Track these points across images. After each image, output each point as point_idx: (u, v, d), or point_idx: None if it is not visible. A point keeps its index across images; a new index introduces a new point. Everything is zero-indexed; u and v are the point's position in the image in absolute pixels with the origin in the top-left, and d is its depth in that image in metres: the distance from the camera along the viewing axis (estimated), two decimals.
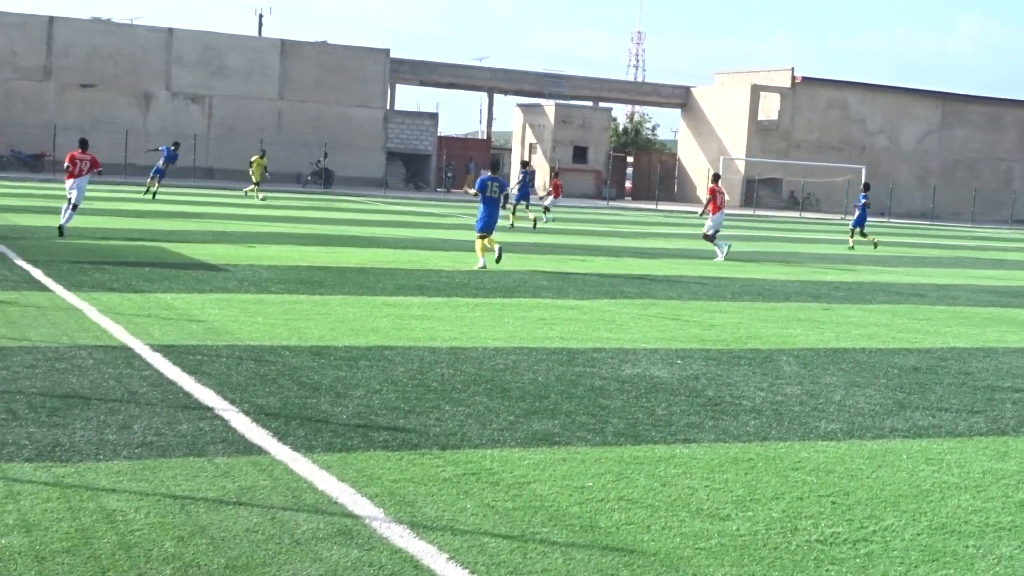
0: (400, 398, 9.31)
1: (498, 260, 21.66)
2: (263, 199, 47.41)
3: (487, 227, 21.76)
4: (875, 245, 37.14)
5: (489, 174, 22.07)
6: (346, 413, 8.65)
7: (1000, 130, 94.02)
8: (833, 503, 7.04)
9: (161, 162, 43.29)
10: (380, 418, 8.56)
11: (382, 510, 6.35)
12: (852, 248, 36.80)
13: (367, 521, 6.15)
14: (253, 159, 49.71)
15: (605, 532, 6.23)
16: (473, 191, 23.55)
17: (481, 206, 21.84)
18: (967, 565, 6.05)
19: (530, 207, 40.88)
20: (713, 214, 28.44)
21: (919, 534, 6.53)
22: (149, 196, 41.94)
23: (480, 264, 21.47)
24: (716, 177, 29.96)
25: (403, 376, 10.27)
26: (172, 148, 44.02)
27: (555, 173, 47.69)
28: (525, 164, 45.39)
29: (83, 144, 24.41)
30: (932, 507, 7.09)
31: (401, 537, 5.92)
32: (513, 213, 38.28)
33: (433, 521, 6.23)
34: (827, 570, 5.86)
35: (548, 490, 6.94)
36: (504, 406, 9.24)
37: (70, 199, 23.62)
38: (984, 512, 7.05)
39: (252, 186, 49.27)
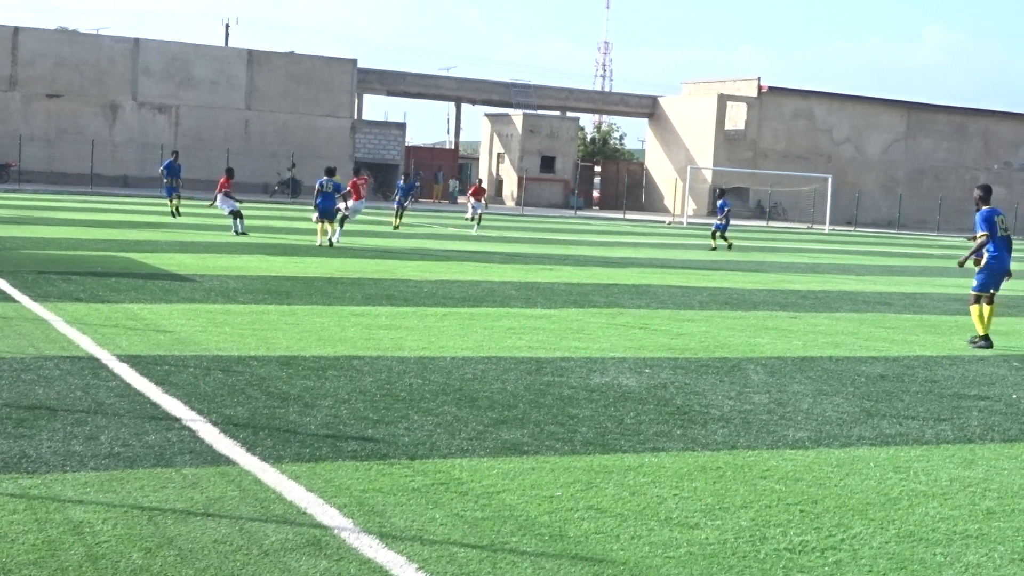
0: (369, 408, 9.29)
1: (331, 245, 28.32)
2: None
3: (324, 213, 29.15)
4: (729, 246, 38.67)
5: (326, 178, 29.52)
6: (314, 423, 8.62)
7: (965, 139, 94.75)
8: (801, 511, 7.07)
9: (165, 180, 39.59)
10: (349, 428, 8.53)
11: (351, 520, 6.33)
12: (714, 249, 38.04)
13: (336, 531, 6.13)
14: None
15: (574, 541, 6.23)
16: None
17: (320, 199, 29.12)
18: (935, 573, 6.08)
19: (403, 214, 42.72)
20: None
21: (887, 542, 6.56)
22: (173, 216, 37.78)
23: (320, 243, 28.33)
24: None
25: (371, 386, 10.25)
26: (172, 160, 40.65)
27: (479, 180, 50.74)
28: (406, 176, 47.05)
29: None
30: (900, 515, 7.12)
31: (370, 547, 5.91)
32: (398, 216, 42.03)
33: (402, 531, 6.21)
34: None
35: (517, 499, 6.94)
36: (473, 415, 9.23)
37: None
38: (951, 520, 7.09)
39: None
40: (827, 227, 72.65)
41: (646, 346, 13.90)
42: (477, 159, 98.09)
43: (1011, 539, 6.74)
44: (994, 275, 15.60)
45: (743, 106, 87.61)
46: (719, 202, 38.71)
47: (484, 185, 48.49)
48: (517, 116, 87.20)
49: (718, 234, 38.67)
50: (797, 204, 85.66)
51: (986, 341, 15.55)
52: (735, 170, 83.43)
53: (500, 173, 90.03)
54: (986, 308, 15.50)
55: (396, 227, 40.25)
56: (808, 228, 73.27)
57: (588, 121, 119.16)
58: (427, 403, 9.62)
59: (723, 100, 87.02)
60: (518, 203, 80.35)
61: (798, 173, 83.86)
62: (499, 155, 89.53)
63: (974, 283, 15.77)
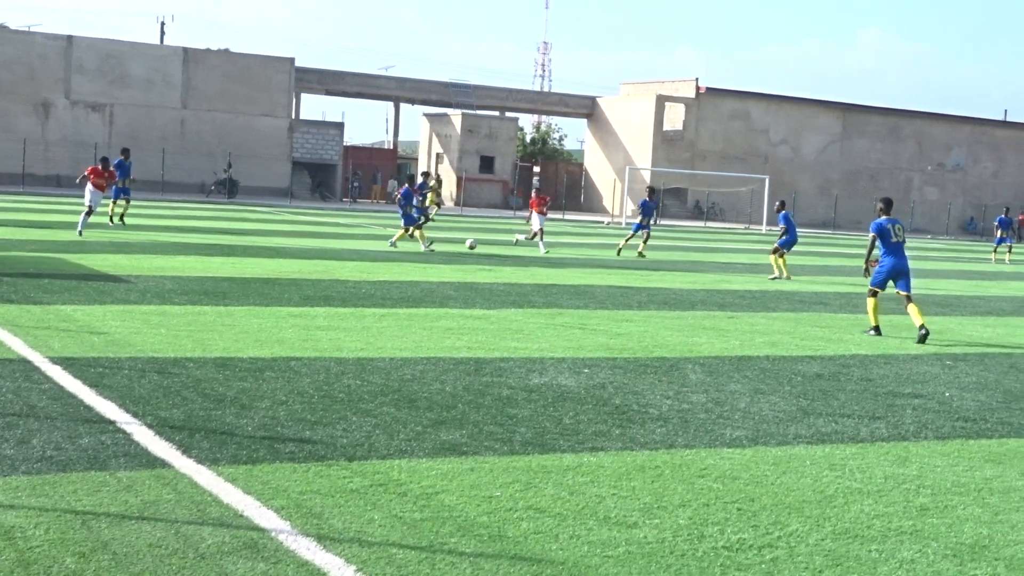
0: (306, 409, 9.23)
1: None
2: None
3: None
4: (640, 254, 35.81)
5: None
6: (251, 425, 8.56)
7: (900, 141, 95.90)
8: (739, 509, 7.11)
9: (118, 182, 34.40)
10: (286, 430, 8.47)
11: (288, 523, 6.28)
12: (643, 255, 35.10)
13: (273, 534, 6.08)
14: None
15: (513, 541, 6.23)
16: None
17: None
18: (870, 569, 6.14)
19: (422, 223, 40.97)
20: None
21: (823, 539, 6.62)
22: (111, 222, 34.12)
23: None
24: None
25: (309, 387, 10.18)
26: (122, 159, 35.91)
27: (536, 187, 44.27)
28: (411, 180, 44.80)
29: None
30: (836, 512, 7.19)
31: (308, 550, 5.87)
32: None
33: (340, 533, 6.18)
34: None
35: (456, 500, 6.92)
36: (411, 416, 9.21)
37: None
38: (886, 516, 7.16)
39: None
40: (764, 227, 73.22)
41: (585, 346, 13.93)
42: (416, 159, 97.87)
43: (944, 535, 6.82)
44: (884, 274, 17.08)
45: (681, 107, 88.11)
46: (641, 200, 36.85)
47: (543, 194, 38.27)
48: (456, 116, 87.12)
49: (638, 233, 35.80)
50: (734, 205, 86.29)
51: (876, 331, 17.15)
52: (673, 171, 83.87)
53: (439, 173, 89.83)
54: (911, 307, 16.95)
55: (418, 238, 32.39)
56: (745, 228, 73.83)
57: (527, 121, 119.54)
58: (365, 404, 9.58)
59: (661, 101, 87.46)
60: (457, 203, 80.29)
61: (735, 174, 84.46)
62: (438, 155, 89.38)
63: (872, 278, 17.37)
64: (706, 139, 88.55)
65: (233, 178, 70.77)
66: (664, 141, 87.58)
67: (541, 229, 34.97)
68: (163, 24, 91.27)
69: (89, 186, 29.79)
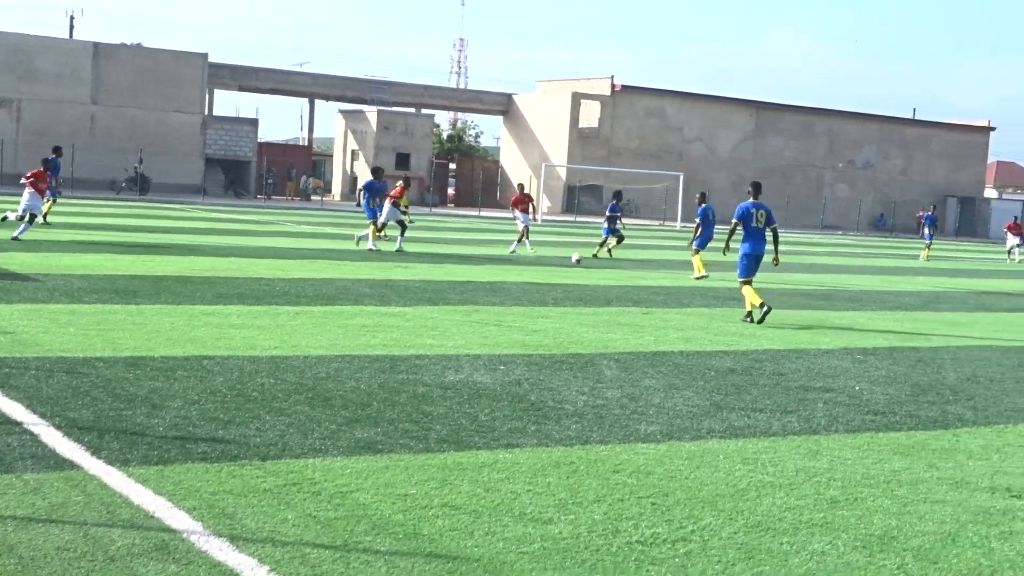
0: (219, 409, 9.13)
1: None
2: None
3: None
4: (595, 256, 34.32)
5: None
6: (163, 425, 8.45)
7: (812, 138, 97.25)
8: (653, 504, 7.16)
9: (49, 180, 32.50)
10: (198, 429, 8.37)
11: (200, 523, 6.21)
12: (606, 255, 34.64)
13: (185, 535, 6.01)
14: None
15: (428, 539, 6.21)
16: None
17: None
18: (781, 562, 6.21)
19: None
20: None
21: (736, 532, 6.68)
22: (44, 223, 31.92)
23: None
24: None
25: (222, 386, 10.07)
26: (54, 156, 34.00)
27: (521, 186, 39.22)
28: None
29: None
30: (748, 505, 7.26)
31: (220, 550, 5.80)
32: None
33: (253, 533, 6.12)
34: (647, 570, 5.94)
35: (371, 498, 6.89)
36: (326, 415, 9.15)
37: None
38: (797, 509, 7.25)
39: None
40: (679, 224, 73.80)
41: (500, 343, 13.94)
42: (331, 156, 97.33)
43: (854, 527, 6.92)
44: (749, 261, 17.94)
45: (597, 104, 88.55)
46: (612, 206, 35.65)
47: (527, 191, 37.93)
48: (372, 113, 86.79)
49: (607, 238, 34.97)
50: (649, 202, 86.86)
51: (749, 317, 17.88)
52: (589, 168, 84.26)
53: (354, 170, 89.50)
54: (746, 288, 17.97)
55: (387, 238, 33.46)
56: (660, 225, 74.36)
57: (444, 118, 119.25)
58: (279, 403, 9.50)
59: (577, 98, 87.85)
60: None
61: (650, 171, 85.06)
62: (353, 152, 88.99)
63: (738, 271, 18.18)
64: (622, 136, 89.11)
65: (145, 175, 69.82)
66: (580, 138, 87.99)
67: (527, 228, 34.99)
68: (72, 18, 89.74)
69: (31, 190, 28.11)
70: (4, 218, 27.71)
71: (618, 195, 37.29)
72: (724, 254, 19.14)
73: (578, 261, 30.22)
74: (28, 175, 27.54)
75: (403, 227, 31.19)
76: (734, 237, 19.21)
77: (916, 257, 47.48)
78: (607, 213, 35.58)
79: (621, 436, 9.07)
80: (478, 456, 8.11)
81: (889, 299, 24.67)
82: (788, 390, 11.70)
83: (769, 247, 18.51)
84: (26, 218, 26.51)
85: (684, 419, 9.90)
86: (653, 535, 6.53)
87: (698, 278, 26.84)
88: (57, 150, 35.54)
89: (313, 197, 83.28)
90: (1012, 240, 50.11)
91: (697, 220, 28.67)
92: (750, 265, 17.96)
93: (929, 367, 14.06)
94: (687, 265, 32.34)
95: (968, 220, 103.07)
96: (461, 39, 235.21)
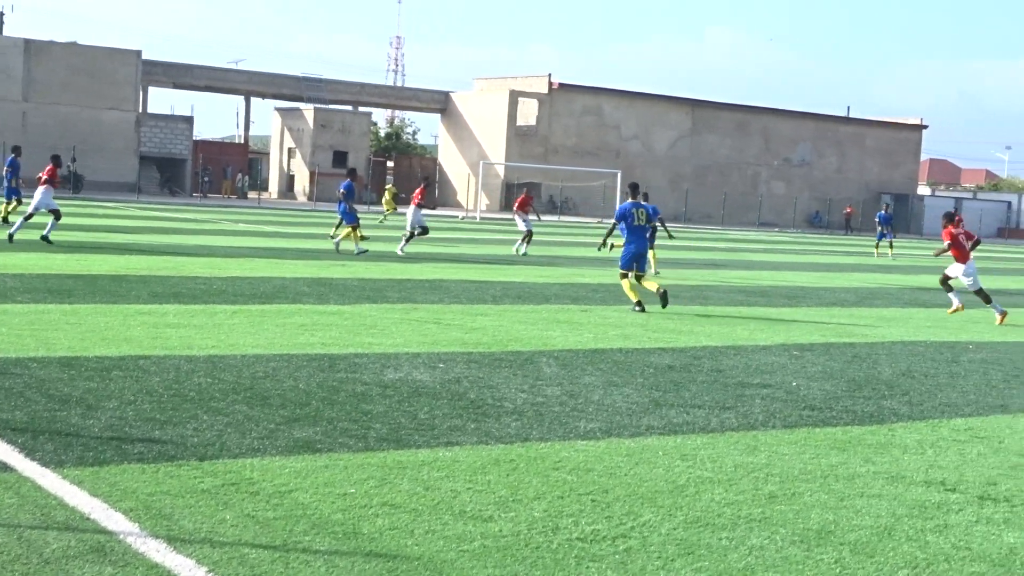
0: (156, 409, 9.04)
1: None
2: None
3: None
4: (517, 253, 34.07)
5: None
6: (98, 426, 8.34)
7: (747, 136, 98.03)
8: (593, 501, 7.17)
9: (9, 181, 32.37)
10: (134, 430, 8.28)
11: (137, 525, 6.14)
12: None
13: (121, 537, 5.94)
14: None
15: (368, 538, 6.18)
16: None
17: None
18: (720, 557, 6.25)
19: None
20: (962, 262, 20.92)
21: (675, 528, 6.71)
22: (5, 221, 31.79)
23: None
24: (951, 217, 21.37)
25: (159, 386, 9.97)
26: (14, 156, 32.68)
27: (526, 190, 39.90)
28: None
29: None
30: (687, 501, 7.29)
31: (157, 552, 5.74)
32: None
33: (191, 534, 6.06)
34: (587, 567, 5.95)
35: (310, 498, 6.85)
36: (264, 414, 9.08)
37: None
38: (736, 505, 7.29)
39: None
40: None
41: (440, 341, 13.91)
42: (267, 154, 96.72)
43: (792, 521, 6.97)
44: (629, 256, 18.92)
45: (534, 102, 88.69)
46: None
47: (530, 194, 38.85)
48: (308, 111, 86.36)
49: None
50: (587, 199, 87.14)
51: (639, 307, 18.68)
52: (527, 165, 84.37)
53: (291, 168, 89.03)
54: (637, 279, 19.01)
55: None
56: (598, 223, 74.59)
57: (381, 116, 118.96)
58: (217, 402, 9.42)
59: (515, 96, 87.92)
60: (310, 198, 79.61)
61: (588, 169, 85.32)
62: (290, 150, 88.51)
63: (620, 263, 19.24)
64: (559, 134, 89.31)
65: (78, 173, 68.96)
66: (518, 136, 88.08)
67: (530, 232, 34.84)
68: (2, 14, 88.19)
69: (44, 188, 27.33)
70: None
71: (524, 188, 37.82)
72: (599, 250, 20.13)
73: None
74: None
75: (424, 230, 31.16)
76: (616, 235, 20.36)
77: (851, 255, 47.91)
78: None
79: (561, 433, 9.09)
80: (418, 454, 8.09)
81: (825, 295, 24.91)
82: (726, 386, 11.78)
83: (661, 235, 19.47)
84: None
85: (623, 416, 9.93)
86: (593, 532, 6.54)
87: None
88: (16, 149, 33.88)
89: (250, 194, 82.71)
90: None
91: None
92: (631, 260, 18.93)
93: (865, 363, 14.21)
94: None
95: (901, 217, 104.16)
96: (398, 37, 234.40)
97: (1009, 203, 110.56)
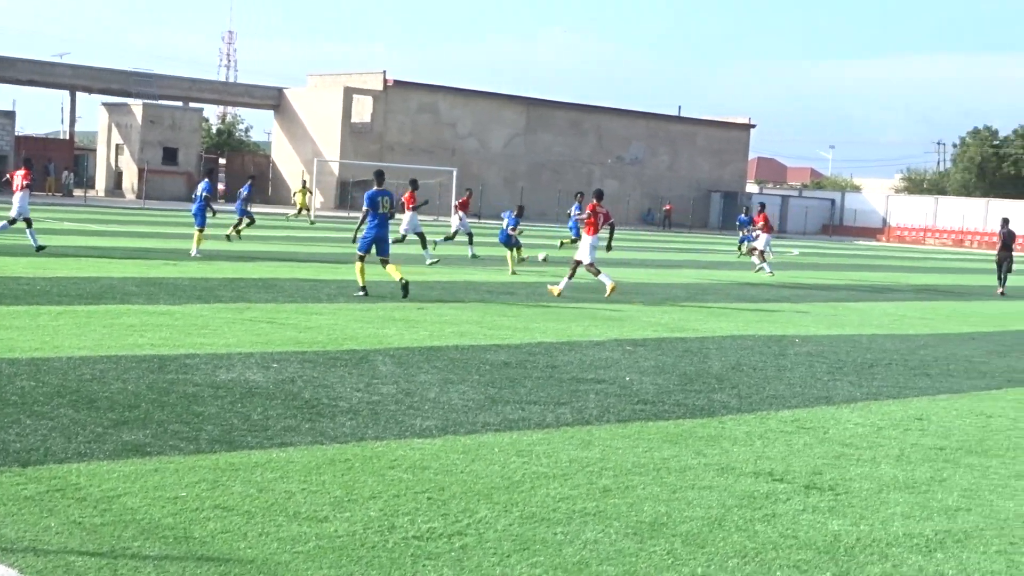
0: None
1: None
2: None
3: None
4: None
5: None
6: None
7: (581, 135, 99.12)
8: (429, 499, 7.16)
9: None
10: None
11: None
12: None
13: None
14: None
15: (200, 542, 6.07)
16: None
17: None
18: (556, 551, 6.30)
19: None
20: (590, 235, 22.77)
21: (511, 524, 6.74)
22: None
23: None
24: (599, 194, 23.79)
25: None
26: None
27: (468, 192, 41.92)
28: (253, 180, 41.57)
29: None
30: (523, 497, 7.34)
31: None
32: None
33: (14, 543, 5.86)
34: (424, 565, 5.94)
35: (139, 502, 6.69)
36: (91, 417, 8.84)
37: None
38: (571, 499, 7.36)
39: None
40: (452, 219, 74.11)
41: (273, 340, 13.74)
42: (94, 150, 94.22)
43: (625, 515, 7.07)
44: (368, 241, 20.37)
45: (369, 99, 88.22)
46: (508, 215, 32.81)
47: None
48: (137, 106, 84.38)
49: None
50: (423, 196, 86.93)
51: (364, 291, 19.90)
52: (362, 163, 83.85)
53: (119, 165, 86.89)
54: (383, 264, 20.60)
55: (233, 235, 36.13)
56: (435, 220, 74.55)
57: (212, 112, 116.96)
58: (41, 406, 9.13)
59: (349, 93, 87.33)
60: (139, 196, 77.80)
61: (424, 166, 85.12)
62: (118, 146, 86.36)
63: (358, 246, 20.58)
64: (394, 131, 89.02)
65: None
66: (352, 133, 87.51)
67: (470, 234, 35.37)
68: None
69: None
70: None
71: (468, 191, 39.70)
72: (353, 241, 21.02)
73: (544, 259, 32.73)
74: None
75: (423, 238, 30.77)
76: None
77: (687, 250, 48.81)
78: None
79: (396, 432, 9.06)
80: (251, 456, 7.97)
81: (658, 291, 25.35)
82: (561, 382, 11.89)
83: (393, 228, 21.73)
84: None
85: (459, 413, 9.95)
86: (429, 530, 6.54)
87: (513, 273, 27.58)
88: None
89: (75, 192, 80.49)
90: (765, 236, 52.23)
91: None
92: (369, 244, 20.39)
93: (696, 357, 14.50)
94: (462, 260, 32.55)
95: (731, 214, 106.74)
96: (230, 31, 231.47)
97: (833, 201, 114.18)
